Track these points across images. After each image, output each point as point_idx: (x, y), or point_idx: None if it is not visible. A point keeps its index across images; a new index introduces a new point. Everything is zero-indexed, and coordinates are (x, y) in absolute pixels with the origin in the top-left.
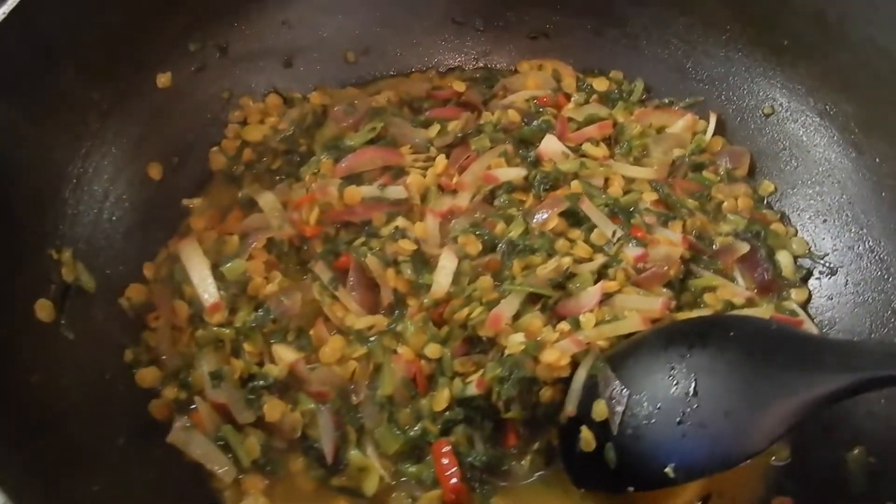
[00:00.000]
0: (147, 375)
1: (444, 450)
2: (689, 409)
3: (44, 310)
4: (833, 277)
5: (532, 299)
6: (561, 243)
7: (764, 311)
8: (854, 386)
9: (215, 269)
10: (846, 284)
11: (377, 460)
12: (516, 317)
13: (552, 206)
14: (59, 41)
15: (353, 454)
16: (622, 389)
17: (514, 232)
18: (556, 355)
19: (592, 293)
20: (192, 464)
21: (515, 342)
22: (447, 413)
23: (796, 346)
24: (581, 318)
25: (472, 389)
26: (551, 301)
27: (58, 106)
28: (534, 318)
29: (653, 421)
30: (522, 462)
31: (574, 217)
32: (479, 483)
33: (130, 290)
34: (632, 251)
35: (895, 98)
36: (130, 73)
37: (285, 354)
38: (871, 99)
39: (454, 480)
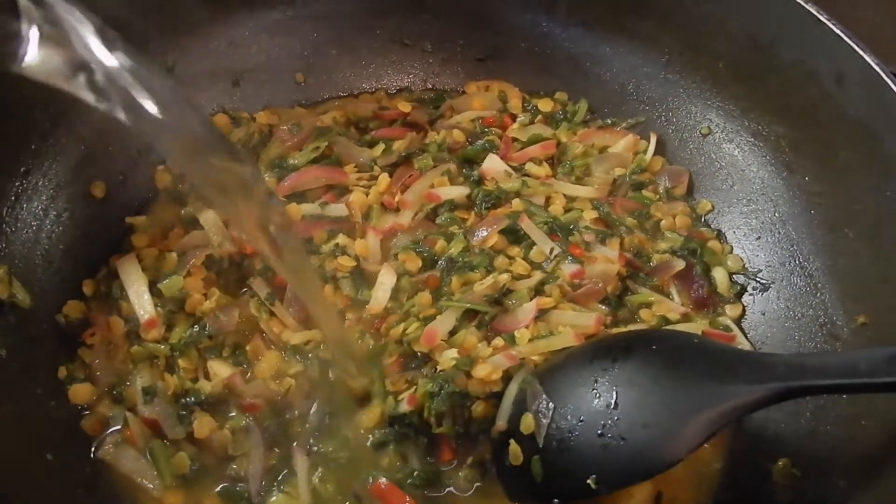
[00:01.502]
0: (80, 392)
1: (383, 488)
2: (609, 422)
3: None
4: (766, 293)
5: (469, 316)
6: (500, 260)
7: (698, 326)
8: (768, 397)
9: (154, 285)
10: (778, 300)
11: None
12: (453, 333)
13: (492, 224)
14: None
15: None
16: (548, 403)
17: (454, 249)
18: (487, 370)
19: (528, 309)
20: (121, 479)
21: (447, 358)
22: (378, 433)
23: (715, 358)
24: (516, 333)
25: (405, 406)
26: (488, 317)
27: None
28: (469, 335)
29: (576, 434)
30: (460, 474)
31: (514, 235)
32: (422, 501)
33: (68, 306)
34: (568, 268)
35: (822, 118)
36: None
37: (220, 370)
38: (801, 120)
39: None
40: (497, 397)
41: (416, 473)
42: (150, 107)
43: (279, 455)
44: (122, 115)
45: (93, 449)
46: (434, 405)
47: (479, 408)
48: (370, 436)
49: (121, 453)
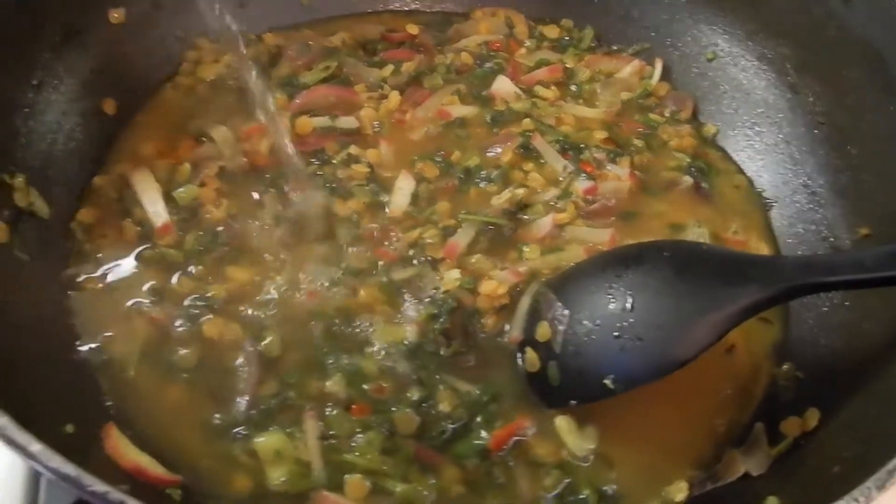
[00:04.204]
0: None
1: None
2: (625, 324)
3: None
4: (769, 212)
5: (484, 229)
6: (515, 174)
7: (705, 232)
8: (775, 295)
9: (167, 195)
10: (781, 217)
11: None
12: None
13: (506, 141)
14: None
15: (263, 440)
16: (563, 310)
17: (471, 162)
18: (493, 286)
19: (544, 224)
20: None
21: (451, 279)
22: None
23: (724, 262)
24: (524, 248)
25: (414, 334)
26: (506, 230)
27: (6, 34)
28: (481, 261)
29: (592, 337)
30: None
31: (527, 152)
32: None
33: (81, 213)
34: (582, 184)
35: (828, 38)
36: (83, 6)
37: (237, 274)
38: (806, 41)
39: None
40: (506, 310)
41: (479, 395)
42: None
43: (279, 392)
44: None
45: (96, 344)
46: (438, 326)
47: (489, 321)
48: (409, 395)
49: (124, 346)
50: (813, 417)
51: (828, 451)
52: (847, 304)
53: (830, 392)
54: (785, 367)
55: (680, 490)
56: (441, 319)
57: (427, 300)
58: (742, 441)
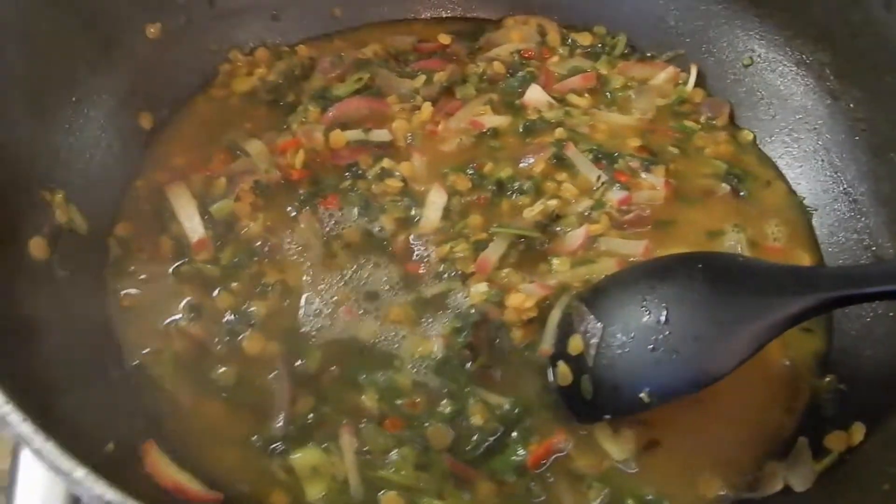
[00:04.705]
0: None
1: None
2: (661, 336)
3: (38, 247)
4: (810, 220)
5: (515, 241)
6: (548, 184)
7: (744, 237)
8: (814, 307)
9: (203, 210)
10: (821, 226)
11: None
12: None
13: (539, 151)
14: None
15: (300, 457)
16: (596, 323)
17: (503, 173)
18: (520, 299)
19: (577, 235)
20: (162, 387)
21: (478, 292)
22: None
23: (760, 273)
24: (555, 260)
25: (441, 348)
26: (538, 243)
27: (46, 51)
28: (510, 275)
29: (626, 350)
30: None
31: (560, 162)
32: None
33: (118, 228)
34: (616, 195)
35: (867, 45)
36: (119, 22)
37: (274, 290)
38: (845, 47)
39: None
40: (535, 324)
41: (510, 408)
42: None
43: (316, 408)
44: None
45: (135, 361)
46: (462, 339)
47: (517, 334)
48: (441, 409)
49: (163, 364)
50: (858, 432)
51: (875, 467)
52: (891, 314)
53: (875, 405)
54: (827, 379)
55: (712, 487)
56: (465, 333)
57: (452, 314)
58: (784, 455)
